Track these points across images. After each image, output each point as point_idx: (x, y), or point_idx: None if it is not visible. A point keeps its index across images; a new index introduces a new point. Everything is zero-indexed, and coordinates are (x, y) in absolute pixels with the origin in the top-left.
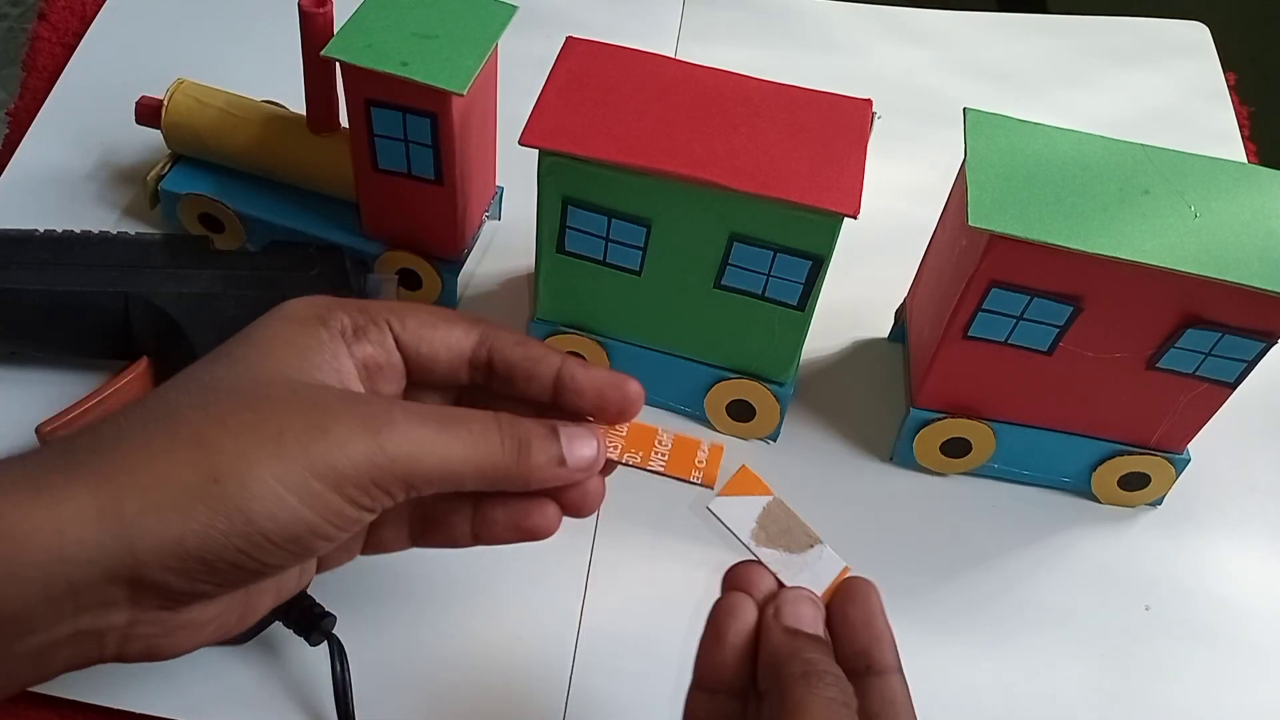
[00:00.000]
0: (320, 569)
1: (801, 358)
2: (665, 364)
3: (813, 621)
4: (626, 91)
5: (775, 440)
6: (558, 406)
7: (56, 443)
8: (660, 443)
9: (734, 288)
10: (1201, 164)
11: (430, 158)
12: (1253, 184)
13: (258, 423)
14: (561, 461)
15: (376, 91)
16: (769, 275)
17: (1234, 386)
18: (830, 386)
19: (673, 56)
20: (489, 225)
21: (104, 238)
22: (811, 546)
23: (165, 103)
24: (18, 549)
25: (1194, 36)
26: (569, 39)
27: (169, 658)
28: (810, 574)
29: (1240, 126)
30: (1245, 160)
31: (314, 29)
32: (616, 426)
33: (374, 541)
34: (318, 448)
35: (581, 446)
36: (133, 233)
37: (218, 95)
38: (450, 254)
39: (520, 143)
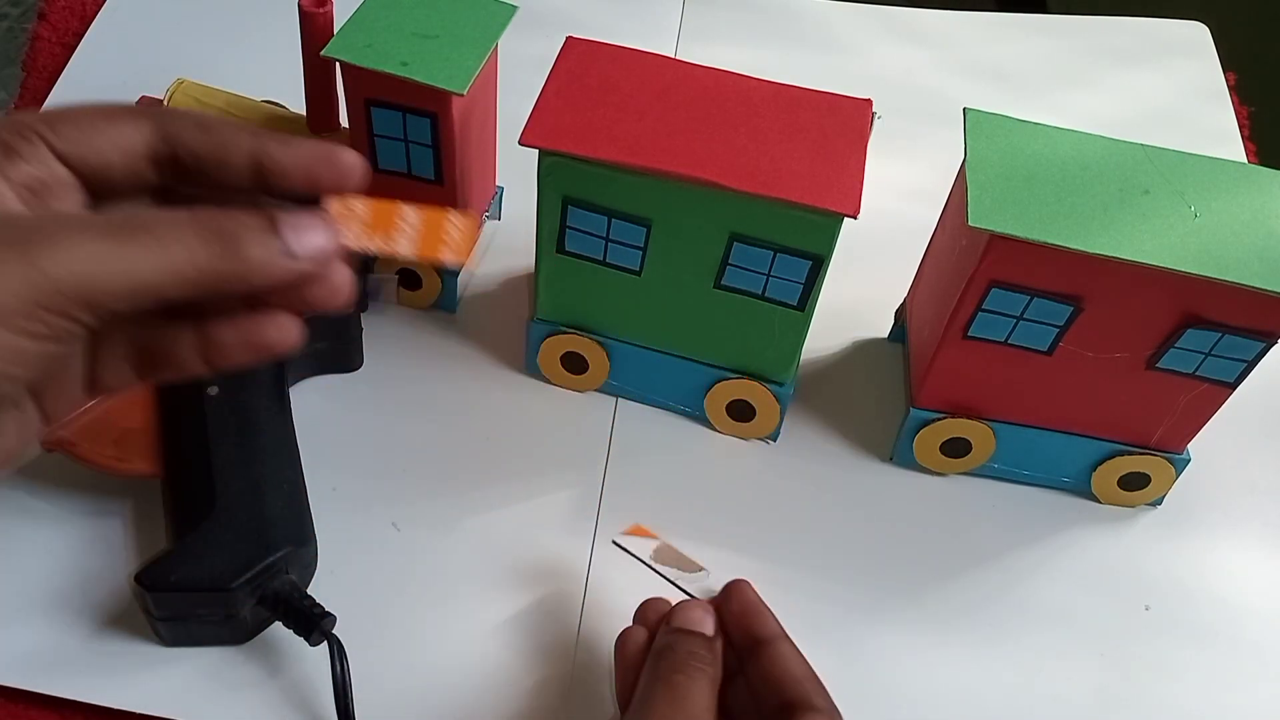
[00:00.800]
0: (47, 418)
1: (801, 358)
2: (665, 364)
3: (699, 621)
4: (626, 91)
5: (775, 440)
6: (267, 194)
7: None
8: (405, 220)
9: (734, 288)
10: (1201, 164)
11: (430, 158)
12: (1253, 184)
13: None
14: (290, 253)
15: (376, 91)
16: (769, 275)
17: (1234, 386)
18: (830, 386)
19: (673, 56)
20: (489, 225)
21: None
22: (699, 571)
23: (165, 103)
24: None
25: (1194, 36)
26: (569, 39)
27: None
28: (697, 590)
29: (1240, 126)
30: (1245, 160)
31: (314, 29)
32: (350, 206)
33: (94, 381)
34: None
35: (309, 234)
36: None
37: (218, 95)
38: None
39: (520, 143)
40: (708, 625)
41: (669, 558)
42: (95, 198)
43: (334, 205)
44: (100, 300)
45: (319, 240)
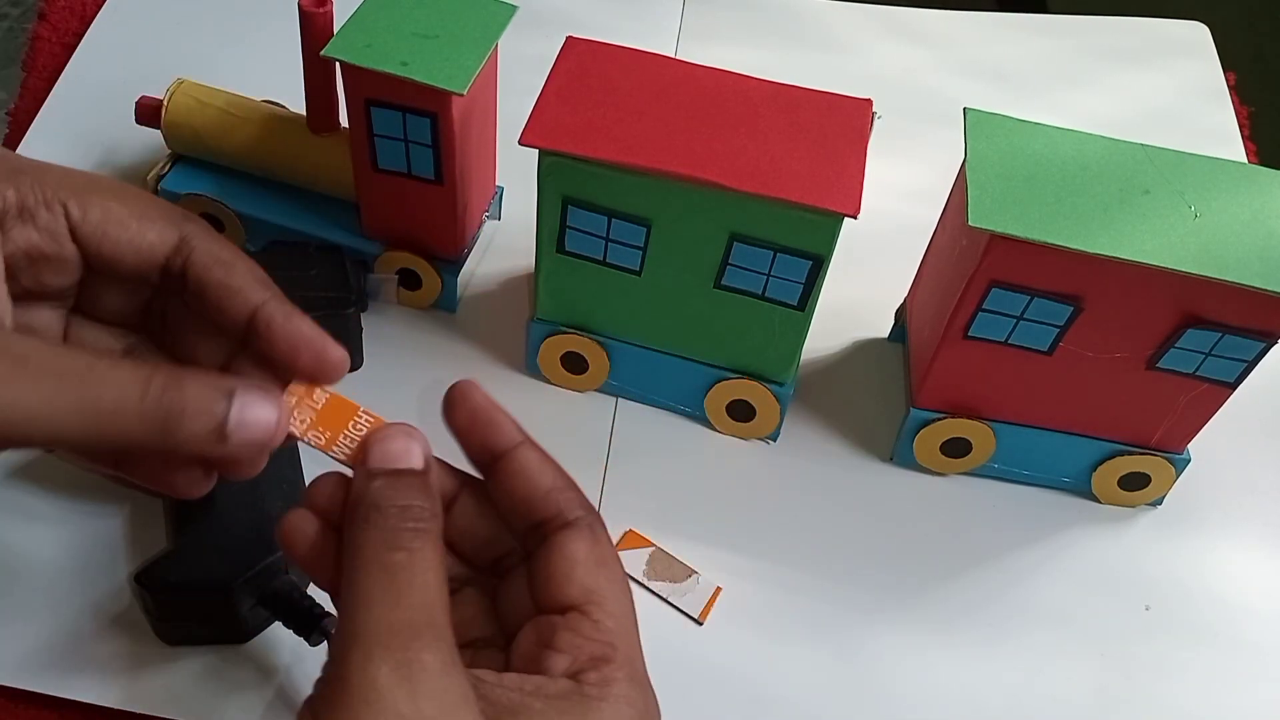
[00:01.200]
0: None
1: (801, 358)
2: (665, 364)
3: (404, 454)
4: (626, 91)
5: (775, 440)
6: (245, 346)
7: None
8: (355, 426)
9: (734, 288)
10: (1201, 164)
11: (430, 158)
12: (1253, 184)
13: None
14: (222, 436)
15: (376, 91)
16: (769, 275)
17: (1234, 386)
18: (830, 386)
19: (673, 56)
20: (489, 225)
21: None
22: (689, 576)
23: (165, 103)
24: None
25: (1194, 36)
26: (569, 39)
27: None
28: (692, 596)
29: (1240, 126)
30: (1245, 160)
31: (314, 29)
32: (314, 396)
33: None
34: None
35: (255, 415)
36: None
37: (218, 95)
38: (450, 254)
39: (520, 143)
40: (415, 457)
41: (661, 568)
42: (91, 276)
43: (298, 390)
44: (12, 438)
45: (260, 428)
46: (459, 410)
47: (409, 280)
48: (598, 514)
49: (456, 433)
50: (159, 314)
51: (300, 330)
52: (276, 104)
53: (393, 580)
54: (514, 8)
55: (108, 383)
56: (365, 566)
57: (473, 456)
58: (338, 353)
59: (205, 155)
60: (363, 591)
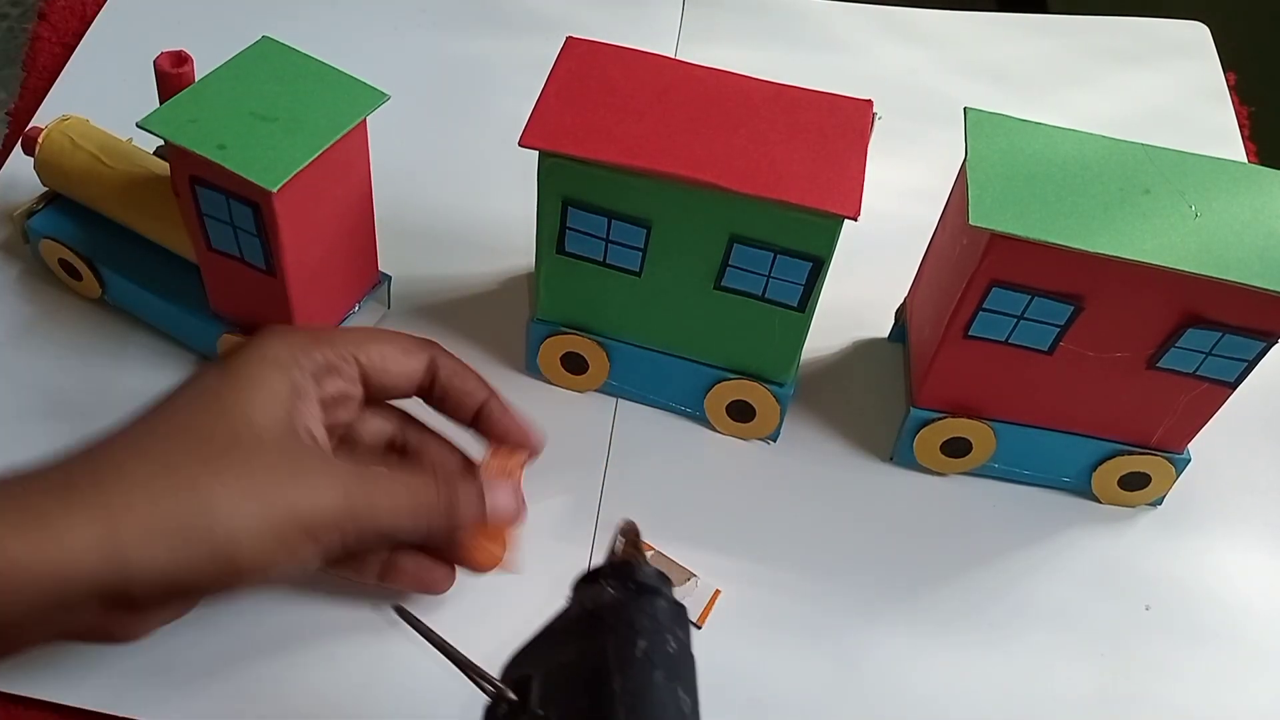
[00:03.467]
0: None
1: (801, 358)
2: (665, 364)
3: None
4: (626, 92)
5: (775, 440)
6: (472, 428)
7: (53, 468)
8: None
9: (734, 289)
10: (1201, 164)
11: (259, 246)
12: (1253, 184)
13: (247, 474)
14: (482, 514)
15: (199, 170)
16: (769, 276)
17: (1234, 386)
18: (830, 386)
19: (673, 57)
20: (374, 314)
21: None
22: (688, 579)
23: (39, 139)
24: (24, 572)
25: (1194, 36)
26: (569, 39)
27: (120, 644)
28: (691, 599)
29: (1240, 126)
30: (1245, 160)
31: (170, 91)
32: (510, 469)
33: None
34: (300, 504)
35: (502, 498)
36: None
37: (95, 138)
38: None
39: (520, 144)
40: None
41: (660, 565)
42: (367, 401)
43: (495, 464)
44: (367, 533)
45: (507, 503)
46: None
47: None
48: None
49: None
50: (400, 441)
51: (515, 421)
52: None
53: None
54: (384, 96)
55: (423, 489)
56: None
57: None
58: (539, 434)
59: (75, 199)
60: None
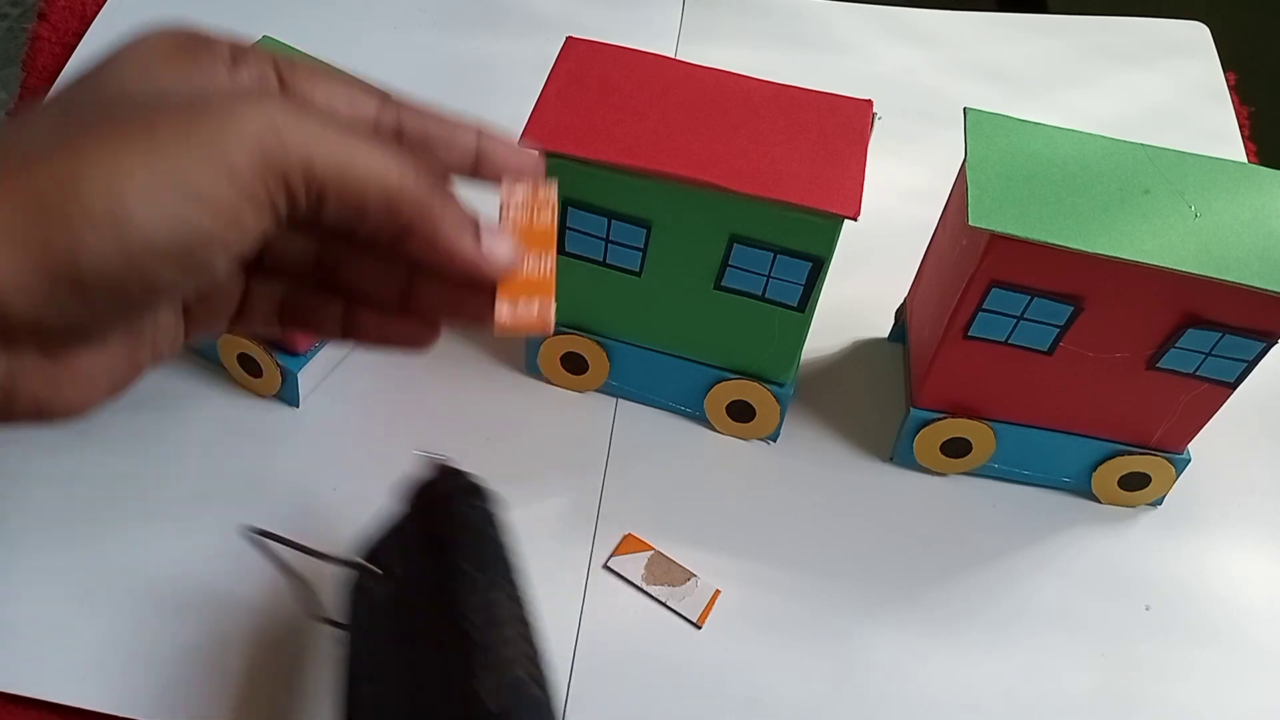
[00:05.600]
0: (191, 331)
1: (801, 358)
2: (665, 364)
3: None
4: (626, 92)
5: (775, 440)
6: (479, 178)
7: None
8: (546, 256)
9: (734, 289)
10: (1201, 164)
11: None
12: (1253, 184)
13: (128, 120)
14: (478, 237)
15: None
16: (769, 277)
17: (1234, 386)
18: (830, 386)
19: (673, 57)
20: (333, 357)
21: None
22: (688, 580)
23: None
24: None
25: (1194, 36)
26: (569, 39)
27: (64, 417)
28: (691, 599)
29: (1240, 126)
30: (1245, 160)
31: None
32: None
33: (241, 315)
34: (200, 133)
35: (499, 243)
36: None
37: None
38: (290, 347)
39: (520, 143)
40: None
41: (660, 572)
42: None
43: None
44: (316, 180)
45: (504, 250)
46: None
47: (248, 366)
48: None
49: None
50: (331, 265)
51: (513, 147)
52: None
53: None
54: None
55: (388, 143)
56: None
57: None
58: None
59: None
60: None
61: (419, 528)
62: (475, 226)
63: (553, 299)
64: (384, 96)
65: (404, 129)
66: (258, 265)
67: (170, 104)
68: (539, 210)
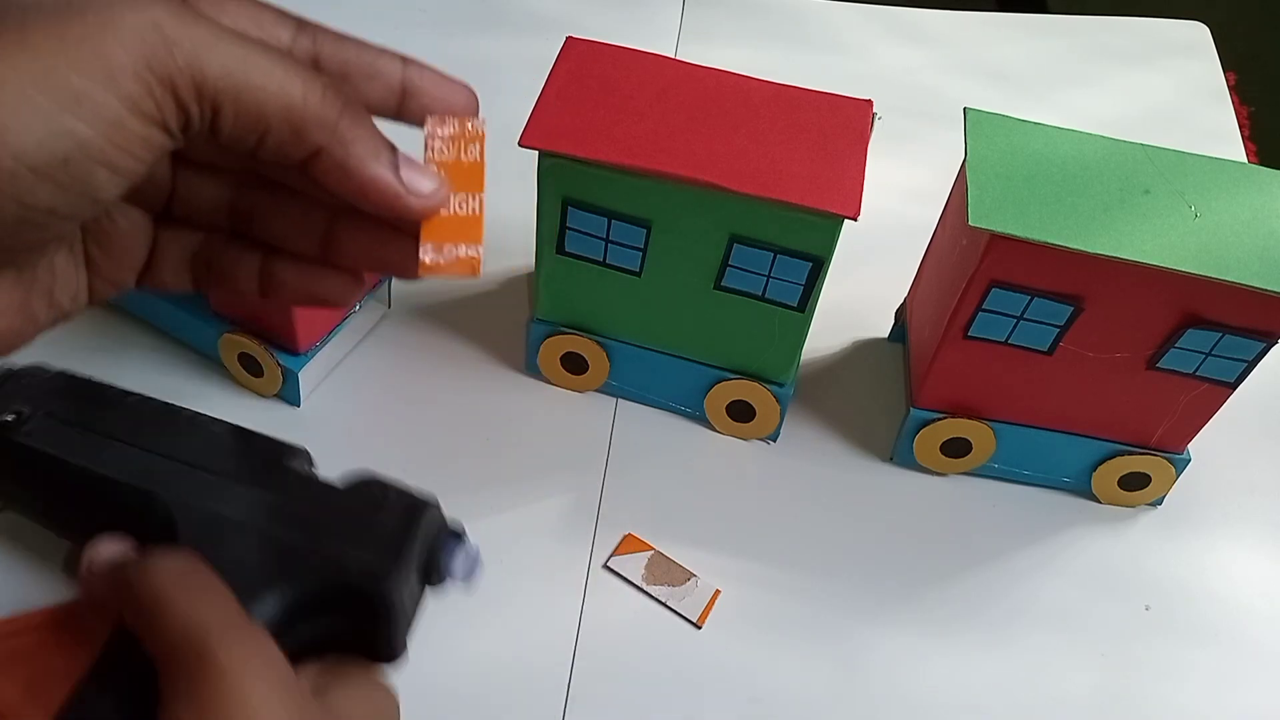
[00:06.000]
0: (96, 284)
1: (801, 358)
2: (665, 364)
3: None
4: (626, 92)
5: (775, 440)
6: (401, 118)
7: None
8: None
9: (734, 289)
10: (1201, 164)
11: None
12: (1253, 184)
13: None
14: (394, 166)
15: None
16: (769, 276)
17: (1234, 386)
18: (830, 386)
19: (673, 57)
20: (376, 313)
21: (167, 411)
22: (688, 580)
23: None
24: None
25: (1194, 36)
26: (569, 39)
27: None
28: (691, 599)
29: (1240, 126)
30: (1245, 160)
31: None
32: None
33: (150, 269)
34: (76, 32)
35: (420, 176)
36: (210, 416)
37: None
38: (290, 347)
39: (520, 144)
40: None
41: (660, 572)
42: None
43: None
44: (209, 91)
45: (425, 182)
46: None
47: (249, 366)
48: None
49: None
50: (245, 213)
51: (444, 79)
52: None
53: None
54: None
55: (310, 74)
56: None
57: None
58: (466, 88)
59: None
60: None
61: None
62: (393, 154)
63: (480, 242)
64: (300, 23)
65: (321, 57)
66: (166, 214)
67: (46, 5)
68: (467, 144)
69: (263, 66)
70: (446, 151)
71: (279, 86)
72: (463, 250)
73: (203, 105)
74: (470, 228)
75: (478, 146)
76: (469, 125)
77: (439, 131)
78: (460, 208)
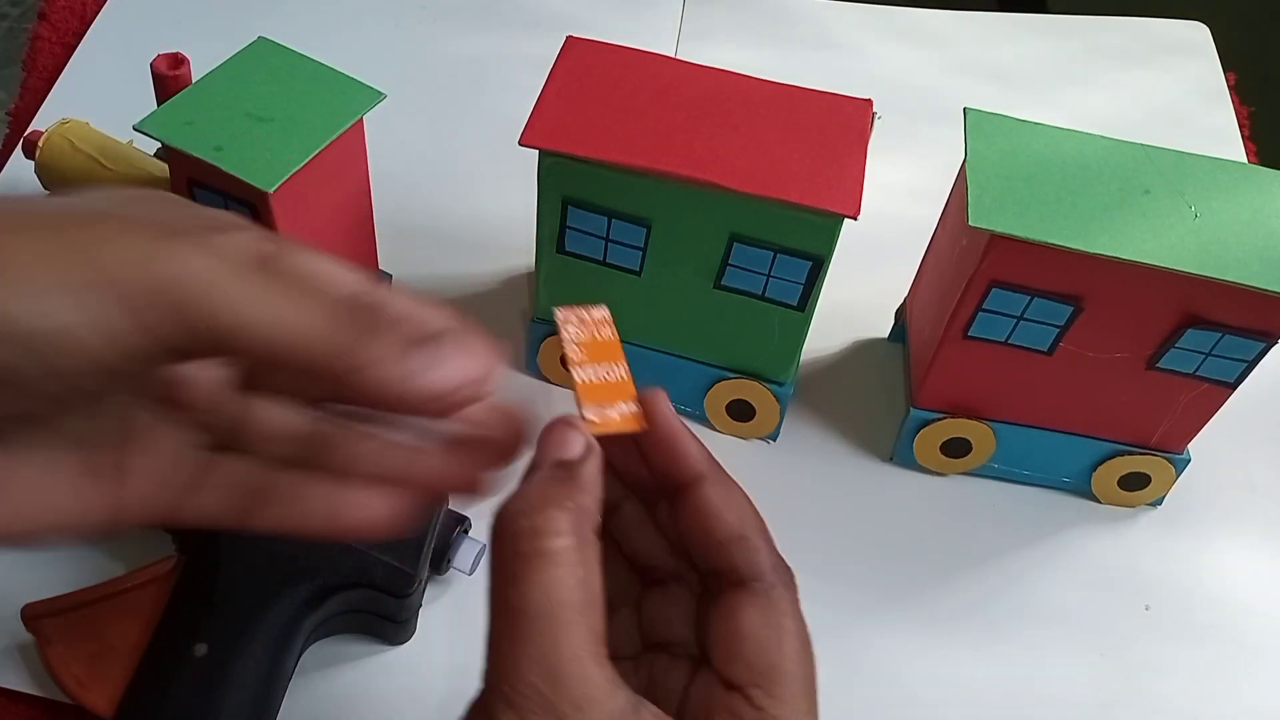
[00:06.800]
0: (123, 497)
1: (801, 358)
2: (665, 364)
3: (562, 444)
4: (626, 91)
5: (775, 440)
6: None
7: None
8: (616, 368)
9: (734, 288)
10: (1201, 164)
11: None
12: (1253, 184)
13: (31, 217)
14: (413, 369)
15: (195, 172)
16: (769, 276)
17: (1234, 386)
18: (830, 386)
19: (673, 56)
20: None
21: None
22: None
23: (39, 142)
24: None
25: (1194, 36)
26: (569, 39)
27: None
28: None
29: (1240, 126)
30: (1245, 160)
31: (167, 93)
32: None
33: (190, 487)
34: (85, 236)
35: (457, 355)
36: None
37: (95, 141)
38: None
39: (520, 143)
40: (573, 446)
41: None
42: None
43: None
44: (191, 319)
45: (464, 363)
46: (652, 429)
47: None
48: (786, 570)
49: (644, 454)
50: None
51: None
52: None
53: (511, 616)
54: (380, 95)
55: (317, 290)
56: (493, 598)
57: (651, 479)
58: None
59: None
60: (491, 627)
61: None
62: (426, 349)
63: (634, 398)
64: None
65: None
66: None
67: (88, 207)
68: (599, 328)
69: (265, 307)
70: (581, 334)
71: (284, 328)
72: (621, 408)
73: (182, 329)
74: (622, 389)
75: (609, 329)
76: (591, 312)
77: (568, 327)
78: (608, 375)
